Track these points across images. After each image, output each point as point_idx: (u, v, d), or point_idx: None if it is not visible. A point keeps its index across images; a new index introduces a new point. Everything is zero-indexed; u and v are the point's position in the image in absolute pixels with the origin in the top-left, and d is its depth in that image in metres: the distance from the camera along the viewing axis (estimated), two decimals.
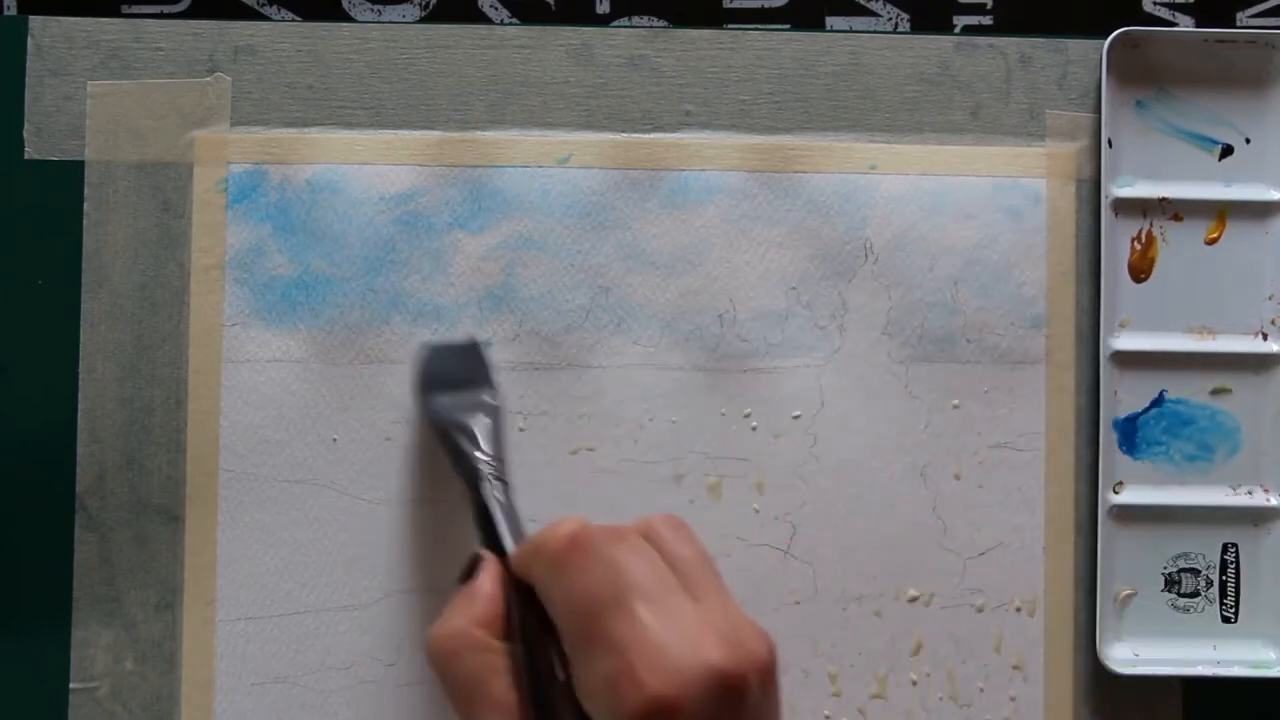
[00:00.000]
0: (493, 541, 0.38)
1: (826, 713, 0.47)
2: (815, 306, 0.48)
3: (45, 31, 0.47)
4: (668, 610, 0.34)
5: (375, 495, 0.47)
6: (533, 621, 0.35)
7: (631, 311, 0.48)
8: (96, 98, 0.47)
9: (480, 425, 0.42)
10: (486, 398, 0.44)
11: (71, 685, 0.46)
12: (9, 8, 0.49)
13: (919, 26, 0.50)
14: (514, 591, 0.36)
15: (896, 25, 0.50)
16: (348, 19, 0.49)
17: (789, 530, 0.48)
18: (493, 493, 0.40)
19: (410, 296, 0.47)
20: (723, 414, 0.48)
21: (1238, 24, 0.50)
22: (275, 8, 0.49)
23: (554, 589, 0.34)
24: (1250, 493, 0.48)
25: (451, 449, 0.42)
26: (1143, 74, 0.49)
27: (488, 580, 0.37)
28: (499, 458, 0.41)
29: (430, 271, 0.47)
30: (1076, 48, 0.49)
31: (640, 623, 0.33)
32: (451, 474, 0.42)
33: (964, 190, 0.48)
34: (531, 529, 0.38)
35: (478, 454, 0.41)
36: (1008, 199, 0.48)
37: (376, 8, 0.49)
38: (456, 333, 0.47)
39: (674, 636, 0.33)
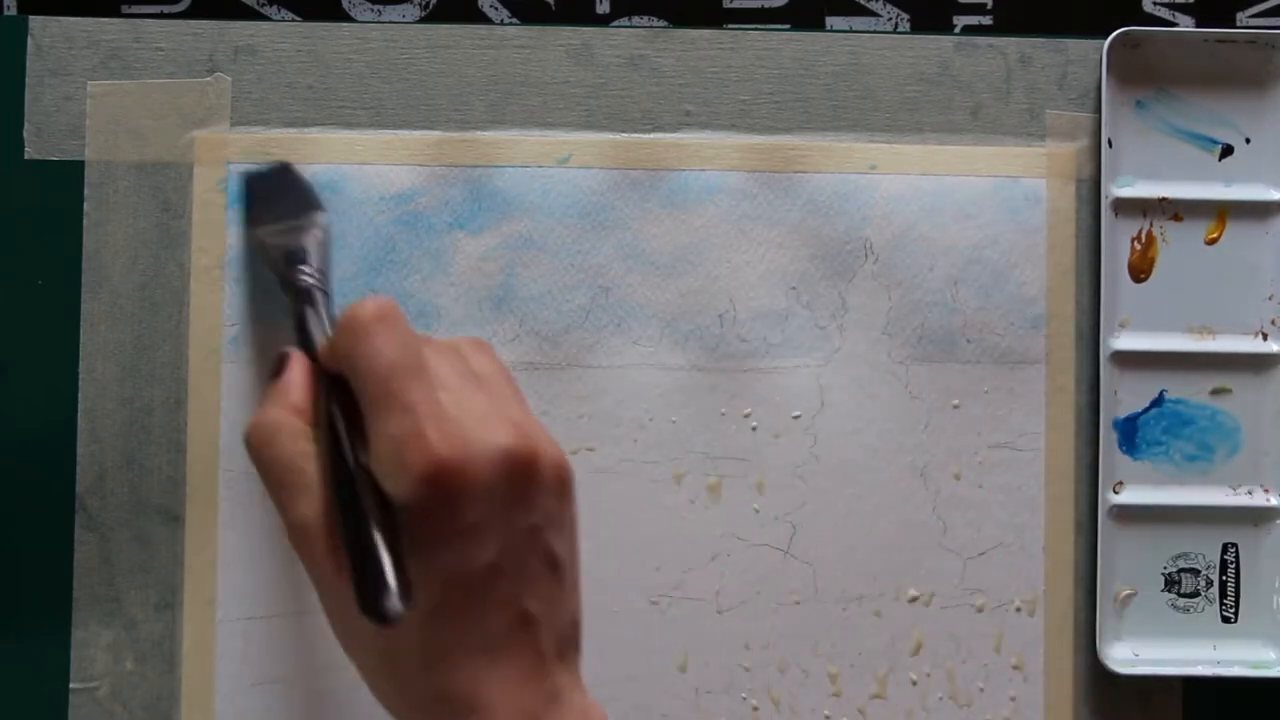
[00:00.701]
0: (305, 341, 0.39)
1: (826, 713, 0.47)
2: (815, 306, 0.48)
3: (45, 31, 0.47)
4: (465, 395, 0.34)
5: None
6: (338, 410, 0.35)
7: (631, 311, 0.48)
8: (96, 98, 0.47)
9: (303, 244, 0.43)
10: (310, 218, 0.45)
11: (71, 685, 0.46)
12: (9, 8, 0.49)
13: (919, 26, 0.50)
14: (322, 384, 0.37)
15: (896, 25, 0.50)
16: (348, 19, 0.49)
17: (789, 530, 0.47)
18: (307, 301, 0.41)
19: (410, 296, 0.47)
20: (723, 414, 0.48)
21: (1238, 24, 0.50)
22: (275, 8, 0.49)
23: (358, 355, 0.34)
24: (1250, 493, 0.48)
25: (277, 273, 0.43)
26: (1143, 74, 0.49)
27: (296, 371, 0.37)
28: (322, 270, 0.42)
29: (430, 271, 0.47)
30: (1076, 48, 0.49)
31: (436, 391, 0.33)
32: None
33: (964, 190, 0.48)
34: None
35: (299, 269, 0.42)
36: (1008, 199, 0.48)
37: (376, 8, 0.49)
38: (456, 334, 0.47)
39: (468, 413, 0.33)
